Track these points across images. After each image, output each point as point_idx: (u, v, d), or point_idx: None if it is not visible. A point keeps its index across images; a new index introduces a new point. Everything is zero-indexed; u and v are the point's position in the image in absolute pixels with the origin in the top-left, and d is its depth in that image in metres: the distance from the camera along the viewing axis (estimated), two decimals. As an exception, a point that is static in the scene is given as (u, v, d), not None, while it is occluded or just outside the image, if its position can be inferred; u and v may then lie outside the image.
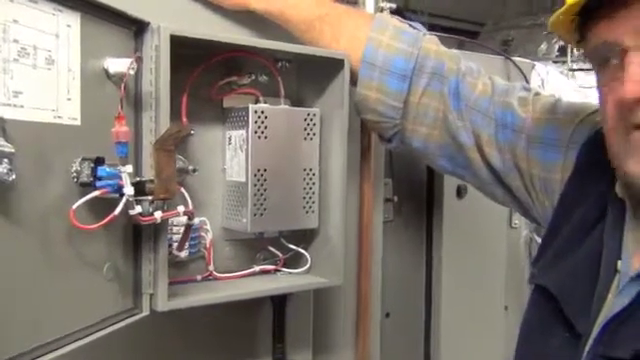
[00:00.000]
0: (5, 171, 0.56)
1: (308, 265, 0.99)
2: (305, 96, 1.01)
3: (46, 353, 0.63)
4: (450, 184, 1.32)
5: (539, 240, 1.47)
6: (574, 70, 1.86)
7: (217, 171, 0.95)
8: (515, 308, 1.47)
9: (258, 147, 0.89)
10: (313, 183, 0.96)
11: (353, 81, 0.95)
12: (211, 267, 0.93)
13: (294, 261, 1.01)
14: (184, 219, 0.82)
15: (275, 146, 0.91)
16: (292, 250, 1.00)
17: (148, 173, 0.77)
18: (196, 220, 0.87)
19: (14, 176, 0.57)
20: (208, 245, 0.92)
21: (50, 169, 0.64)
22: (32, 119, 0.61)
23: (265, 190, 0.90)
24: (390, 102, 0.92)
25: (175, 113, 0.81)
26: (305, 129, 0.95)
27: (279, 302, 1.04)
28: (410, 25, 0.97)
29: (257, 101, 0.93)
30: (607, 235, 0.70)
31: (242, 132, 0.90)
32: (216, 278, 0.93)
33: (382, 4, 1.12)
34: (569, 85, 1.88)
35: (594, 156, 0.74)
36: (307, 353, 1.09)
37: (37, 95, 0.62)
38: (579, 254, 0.72)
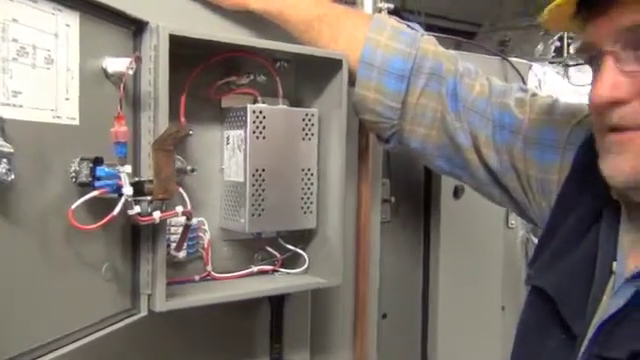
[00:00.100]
0: (4, 171, 0.56)
1: (306, 265, 0.99)
2: (303, 96, 1.01)
3: (45, 353, 0.63)
4: (447, 185, 1.32)
5: (535, 240, 1.47)
6: (569, 66, 1.86)
7: (215, 171, 0.94)
8: (512, 308, 1.47)
9: (256, 147, 0.89)
10: (311, 183, 0.96)
11: (351, 81, 0.95)
12: (209, 267, 0.93)
13: (292, 261, 1.01)
14: (182, 219, 0.82)
15: (273, 146, 0.91)
16: (290, 250, 1.00)
17: (147, 173, 0.77)
18: (194, 220, 0.87)
19: (13, 176, 0.57)
20: (206, 245, 0.92)
21: (49, 169, 0.64)
22: (31, 119, 0.61)
23: (263, 190, 0.90)
24: (388, 102, 0.92)
25: (174, 113, 0.81)
26: (303, 129, 0.95)
27: (277, 302, 1.04)
28: (408, 25, 0.97)
29: (255, 101, 0.93)
30: (602, 237, 0.70)
31: (240, 132, 0.90)
32: (214, 278, 0.93)
33: (380, 4, 1.13)
34: (566, 85, 1.88)
35: (591, 157, 0.74)
36: (305, 353, 1.09)
37: (36, 95, 0.62)
38: (575, 255, 0.72)
